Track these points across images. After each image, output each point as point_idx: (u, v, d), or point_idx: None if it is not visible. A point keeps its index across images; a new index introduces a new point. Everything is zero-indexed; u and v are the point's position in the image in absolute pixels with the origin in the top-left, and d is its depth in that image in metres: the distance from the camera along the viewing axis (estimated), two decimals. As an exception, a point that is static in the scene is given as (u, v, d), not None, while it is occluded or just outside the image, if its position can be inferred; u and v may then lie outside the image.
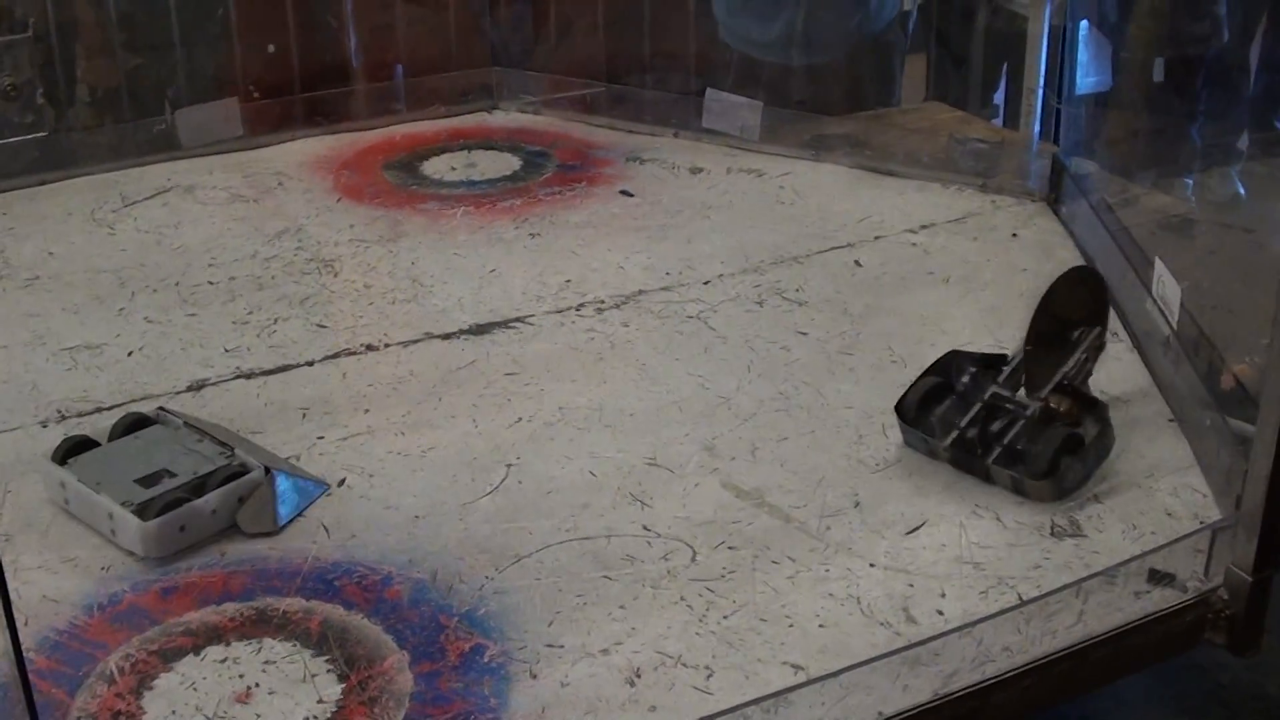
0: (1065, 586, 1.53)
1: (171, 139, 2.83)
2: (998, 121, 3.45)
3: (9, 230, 2.54)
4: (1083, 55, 2.64)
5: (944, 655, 1.45)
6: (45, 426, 1.93)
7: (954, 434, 1.78)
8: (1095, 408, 1.81)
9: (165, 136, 2.83)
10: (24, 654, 1.21)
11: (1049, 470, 1.71)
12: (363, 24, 3.06)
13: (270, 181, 2.74)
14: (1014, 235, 2.44)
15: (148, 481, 1.70)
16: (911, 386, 1.84)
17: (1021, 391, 1.82)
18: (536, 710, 1.41)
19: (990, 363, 1.86)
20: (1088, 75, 2.68)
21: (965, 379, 1.84)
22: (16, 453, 1.87)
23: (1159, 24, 3.03)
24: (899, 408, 1.83)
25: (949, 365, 1.87)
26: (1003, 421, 1.78)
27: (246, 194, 2.68)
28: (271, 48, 2.95)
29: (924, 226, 2.46)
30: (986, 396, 1.81)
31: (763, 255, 2.37)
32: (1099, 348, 1.86)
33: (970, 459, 1.77)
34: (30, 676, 1.26)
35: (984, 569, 1.59)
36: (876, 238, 2.43)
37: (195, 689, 1.44)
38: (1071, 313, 1.86)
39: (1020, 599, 1.53)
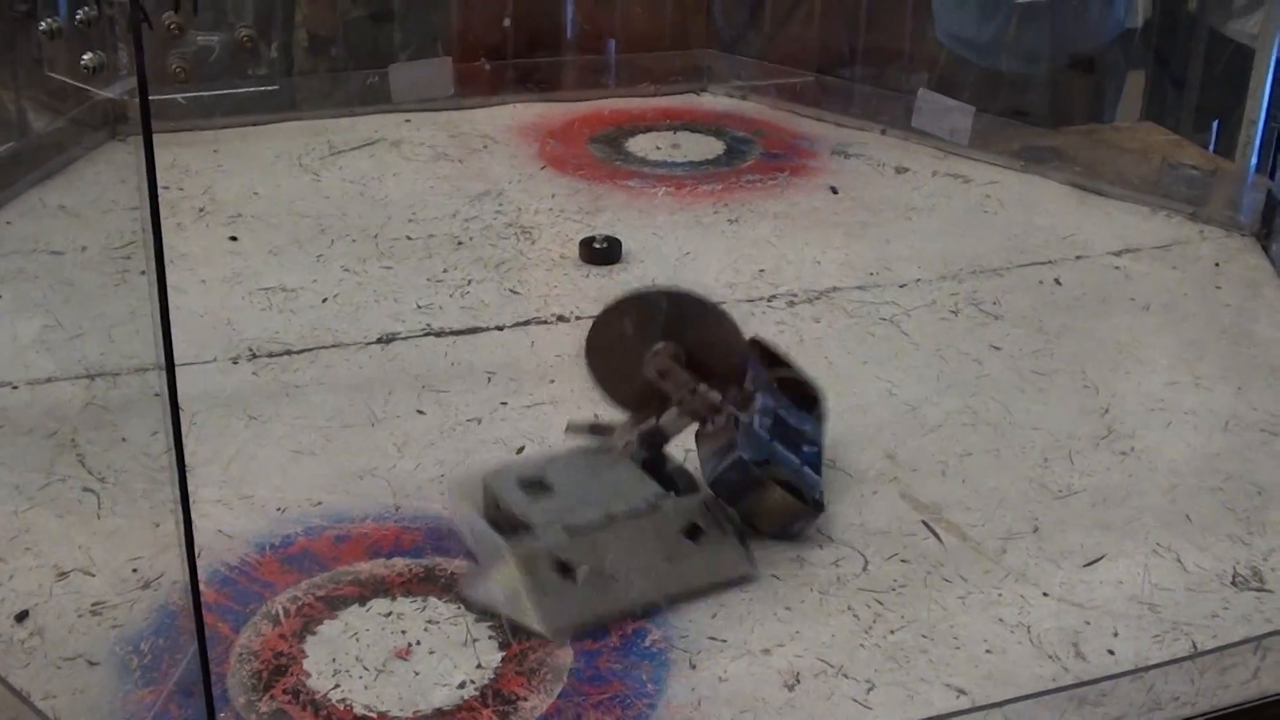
0: (1244, 641, 1.48)
1: (382, 93, 2.86)
2: (1211, 148, 3.37)
3: (218, 167, 2.59)
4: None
5: (1111, 697, 1.41)
6: (236, 363, 1.97)
7: None
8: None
9: (376, 89, 2.86)
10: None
11: None
12: (583, -2, 3.08)
13: (476, 143, 2.76)
14: (1216, 265, 2.38)
15: None
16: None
17: None
18: (693, 701, 1.40)
19: None
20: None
21: None
22: (205, 386, 1.91)
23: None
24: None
25: None
26: None
27: (452, 153, 2.71)
28: (507, 21, 2.97)
29: (1128, 250, 2.40)
30: None
31: (962, 264, 2.33)
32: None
33: None
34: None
35: (1160, 612, 1.54)
36: (1078, 257, 2.38)
37: (357, 639, 1.46)
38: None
39: (1195, 648, 1.49)
